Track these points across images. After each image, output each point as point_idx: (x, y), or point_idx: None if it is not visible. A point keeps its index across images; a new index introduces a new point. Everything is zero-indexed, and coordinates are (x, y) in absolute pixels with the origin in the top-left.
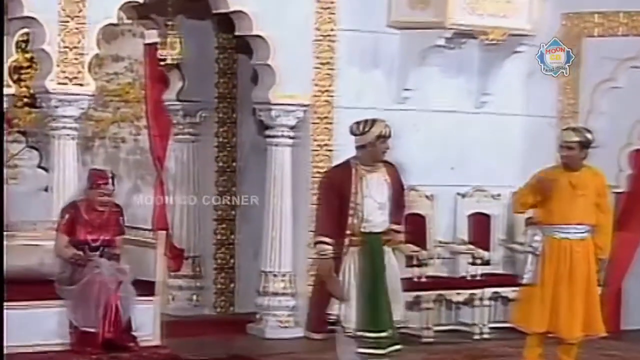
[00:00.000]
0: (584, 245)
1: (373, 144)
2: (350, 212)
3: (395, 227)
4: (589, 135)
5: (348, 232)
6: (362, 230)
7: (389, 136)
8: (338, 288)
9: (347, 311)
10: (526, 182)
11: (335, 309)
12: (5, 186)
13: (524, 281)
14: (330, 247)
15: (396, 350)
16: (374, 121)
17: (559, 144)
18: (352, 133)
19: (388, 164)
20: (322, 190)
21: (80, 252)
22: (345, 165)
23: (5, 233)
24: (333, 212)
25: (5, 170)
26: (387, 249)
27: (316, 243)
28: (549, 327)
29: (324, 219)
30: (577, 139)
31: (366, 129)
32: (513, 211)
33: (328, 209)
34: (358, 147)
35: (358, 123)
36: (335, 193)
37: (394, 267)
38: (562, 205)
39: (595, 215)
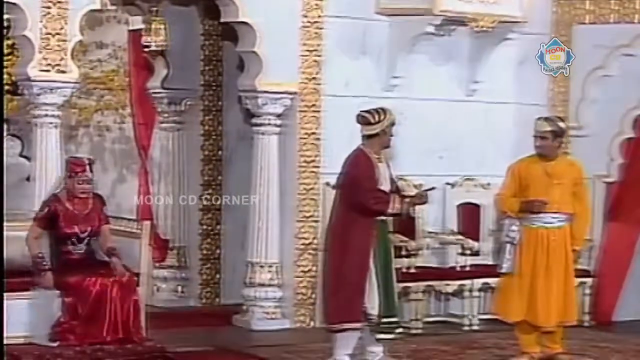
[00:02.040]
0: (562, 233)
1: (384, 132)
2: None
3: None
4: (561, 124)
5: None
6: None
7: (395, 123)
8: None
9: (371, 297)
10: (503, 180)
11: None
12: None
13: (502, 271)
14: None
15: (392, 339)
16: (384, 109)
17: (532, 135)
18: (366, 122)
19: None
20: (352, 177)
21: (42, 255)
22: (362, 152)
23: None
24: (373, 185)
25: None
26: (391, 237)
27: (390, 206)
28: (526, 316)
29: (373, 192)
30: (549, 128)
31: (381, 118)
32: (499, 213)
33: (368, 186)
34: (370, 136)
35: (371, 112)
36: (366, 177)
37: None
38: (538, 194)
39: (572, 204)
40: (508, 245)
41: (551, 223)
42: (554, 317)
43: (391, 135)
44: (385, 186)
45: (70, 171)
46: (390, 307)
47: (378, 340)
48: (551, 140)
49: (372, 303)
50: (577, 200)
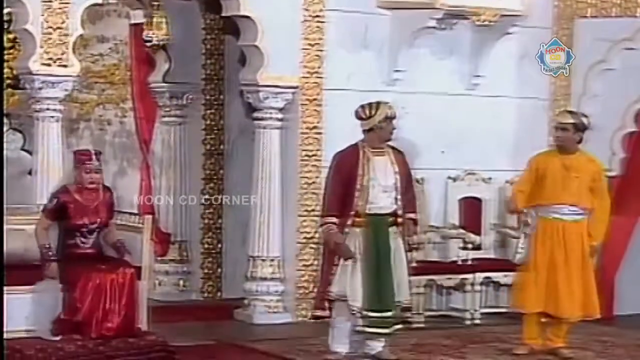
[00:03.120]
0: (579, 227)
1: (380, 127)
2: (357, 193)
3: (411, 215)
4: (584, 119)
5: (352, 212)
6: (368, 211)
7: (394, 117)
8: (348, 250)
9: (352, 290)
10: (522, 174)
11: (335, 287)
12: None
13: (515, 261)
14: (335, 225)
15: (386, 334)
16: (378, 104)
17: (553, 126)
18: (359, 117)
19: (396, 151)
20: (330, 172)
21: (49, 245)
22: (354, 148)
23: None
24: (339, 194)
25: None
26: (393, 231)
27: (323, 224)
28: (546, 308)
29: (330, 200)
30: (572, 120)
31: (372, 113)
32: (514, 208)
33: (334, 190)
34: (365, 131)
35: (363, 107)
36: (342, 175)
37: (401, 249)
38: (556, 186)
39: (590, 199)
40: (522, 236)
41: (567, 216)
42: (578, 309)
43: (393, 129)
44: (383, 181)
45: (77, 162)
46: (385, 302)
47: (372, 334)
48: (572, 132)
49: (354, 296)
50: (596, 197)
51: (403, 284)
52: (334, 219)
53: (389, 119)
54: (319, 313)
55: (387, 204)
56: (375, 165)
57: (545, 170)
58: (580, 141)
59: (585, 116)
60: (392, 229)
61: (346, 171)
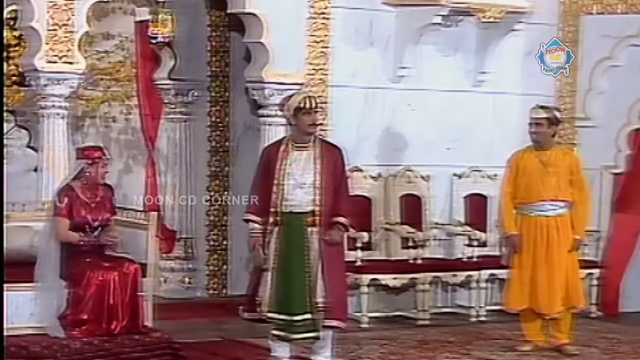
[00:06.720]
0: (562, 221)
1: (295, 118)
2: (274, 189)
3: (340, 219)
4: (557, 113)
5: (272, 210)
6: (283, 209)
7: (312, 108)
8: (258, 258)
9: (264, 292)
10: (504, 175)
11: (261, 291)
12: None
13: (504, 262)
14: (256, 224)
15: (312, 338)
16: (294, 95)
17: (528, 122)
18: (280, 109)
19: (329, 146)
20: (257, 167)
21: (82, 236)
22: (278, 142)
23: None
24: (261, 189)
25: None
26: (311, 232)
27: (245, 220)
28: (530, 304)
29: (252, 196)
30: (545, 115)
31: (287, 103)
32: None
33: (256, 185)
34: (289, 124)
35: (285, 98)
36: (264, 170)
37: (322, 250)
38: (535, 183)
39: (570, 192)
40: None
41: (550, 211)
42: (557, 304)
43: (311, 122)
44: (300, 177)
45: (90, 158)
46: (293, 305)
47: (276, 337)
48: (546, 127)
49: (264, 297)
50: (576, 189)
51: (320, 287)
52: (255, 217)
53: (303, 109)
54: (246, 316)
55: (304, 202)
56: (293, 161)
57: (524, 168)
58: (554, 135)
59: (558, 110)
60: (310, 229)
61: (267, 166)
